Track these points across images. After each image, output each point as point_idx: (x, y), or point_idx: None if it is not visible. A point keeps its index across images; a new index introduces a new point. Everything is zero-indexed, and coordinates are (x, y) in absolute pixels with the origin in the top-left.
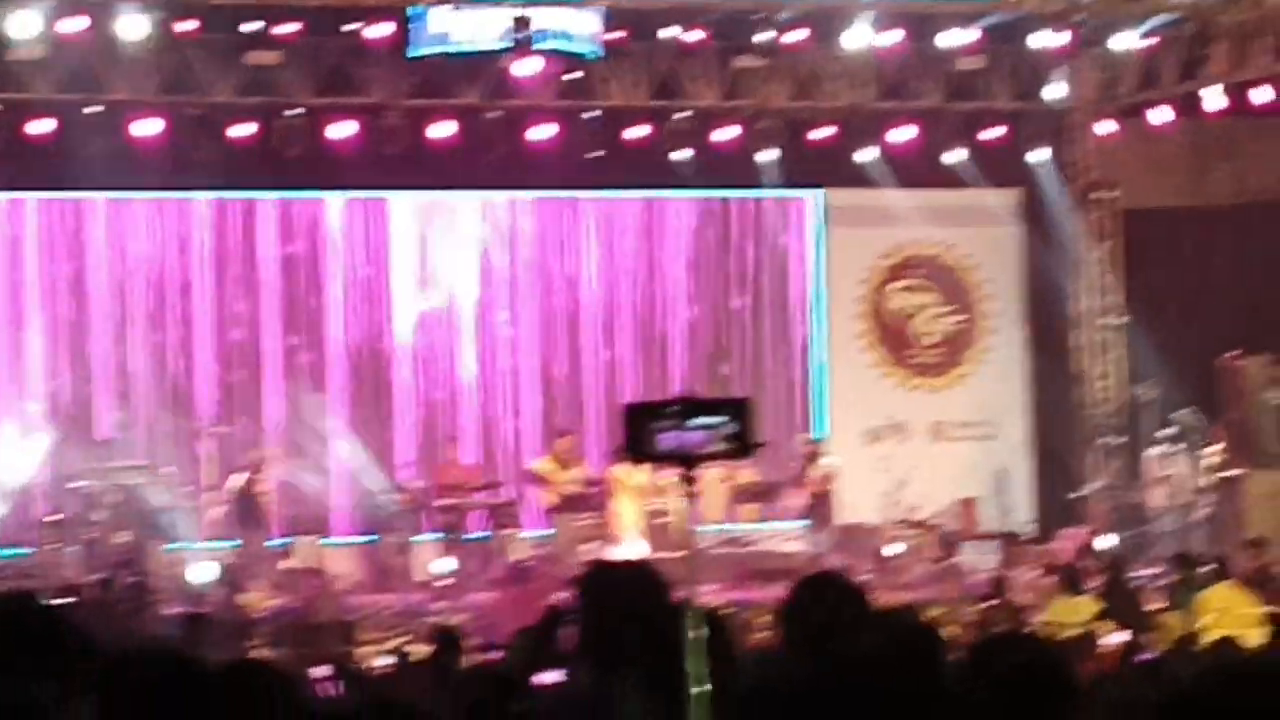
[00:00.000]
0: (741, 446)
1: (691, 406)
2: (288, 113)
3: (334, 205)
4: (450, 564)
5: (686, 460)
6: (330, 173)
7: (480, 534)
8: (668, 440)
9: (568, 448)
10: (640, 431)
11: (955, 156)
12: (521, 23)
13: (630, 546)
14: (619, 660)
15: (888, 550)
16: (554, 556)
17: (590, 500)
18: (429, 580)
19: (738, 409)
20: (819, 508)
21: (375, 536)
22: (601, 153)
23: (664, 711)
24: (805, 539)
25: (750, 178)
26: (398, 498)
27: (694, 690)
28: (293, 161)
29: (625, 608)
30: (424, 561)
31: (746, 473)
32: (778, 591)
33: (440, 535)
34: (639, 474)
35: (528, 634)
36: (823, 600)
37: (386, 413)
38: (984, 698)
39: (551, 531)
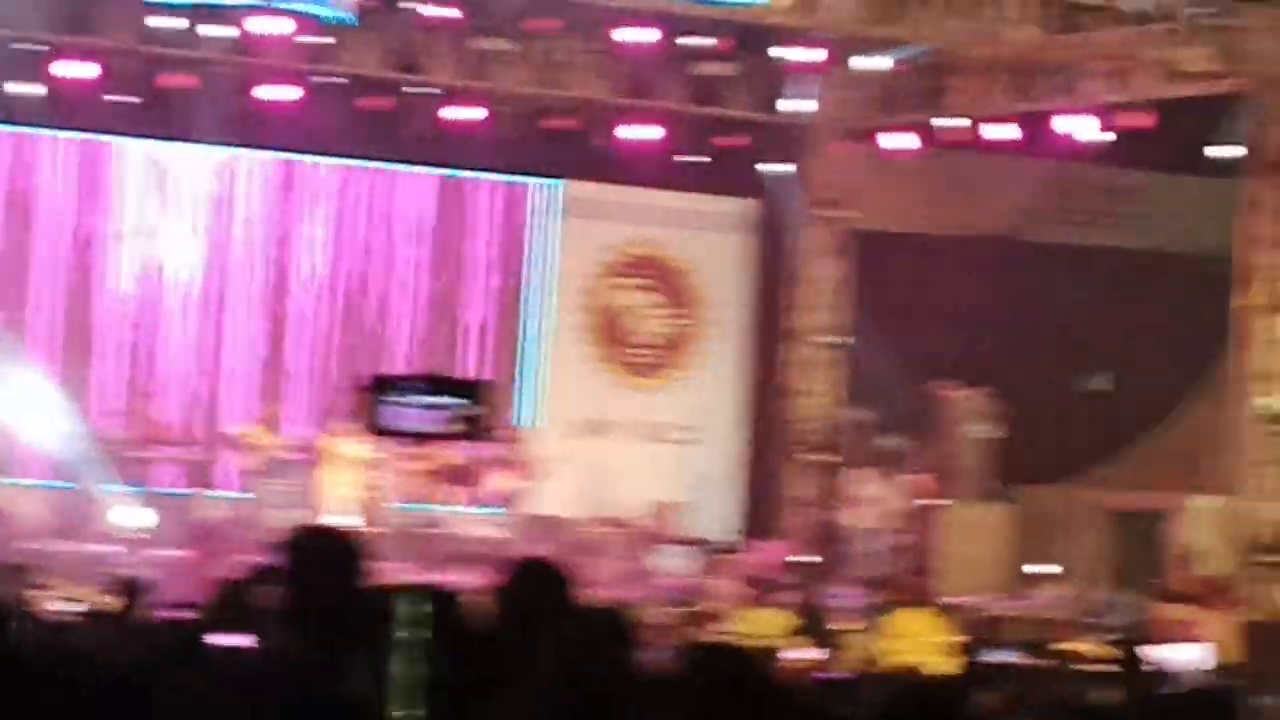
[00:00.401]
0: (477, 429)
1: (435, 385)
2: (16, 46)
3: (58, 146)
4: (145, 517)
5: (421, 437)
6: (58, 113)
7: (173, 490)
8: (406, 416)
9: (274, 413)
10: (380, 406)
11: (693, 160)
12: None
13: (334, 518)
14: (332, 630)
15: (585, 548)
16: (248, 519)
17: (293, 467)
18: (119, 531)
19: (481, 391)
20: (517, 497)
21: (68, 483)
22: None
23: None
24: (499, 526)
25: (487, 160)
26: (94, 445)
27: (409, 669)
28: (18, 99)
29: (338, 576)
30: (115, 512)
31: (448, 454)
32: (470, 577)
33: (134, 488)
34: (350, 445)
35: (225, 592)
36: (538, 587)
37: (89, 360)
38: (685, 702)
39: (247, 495)
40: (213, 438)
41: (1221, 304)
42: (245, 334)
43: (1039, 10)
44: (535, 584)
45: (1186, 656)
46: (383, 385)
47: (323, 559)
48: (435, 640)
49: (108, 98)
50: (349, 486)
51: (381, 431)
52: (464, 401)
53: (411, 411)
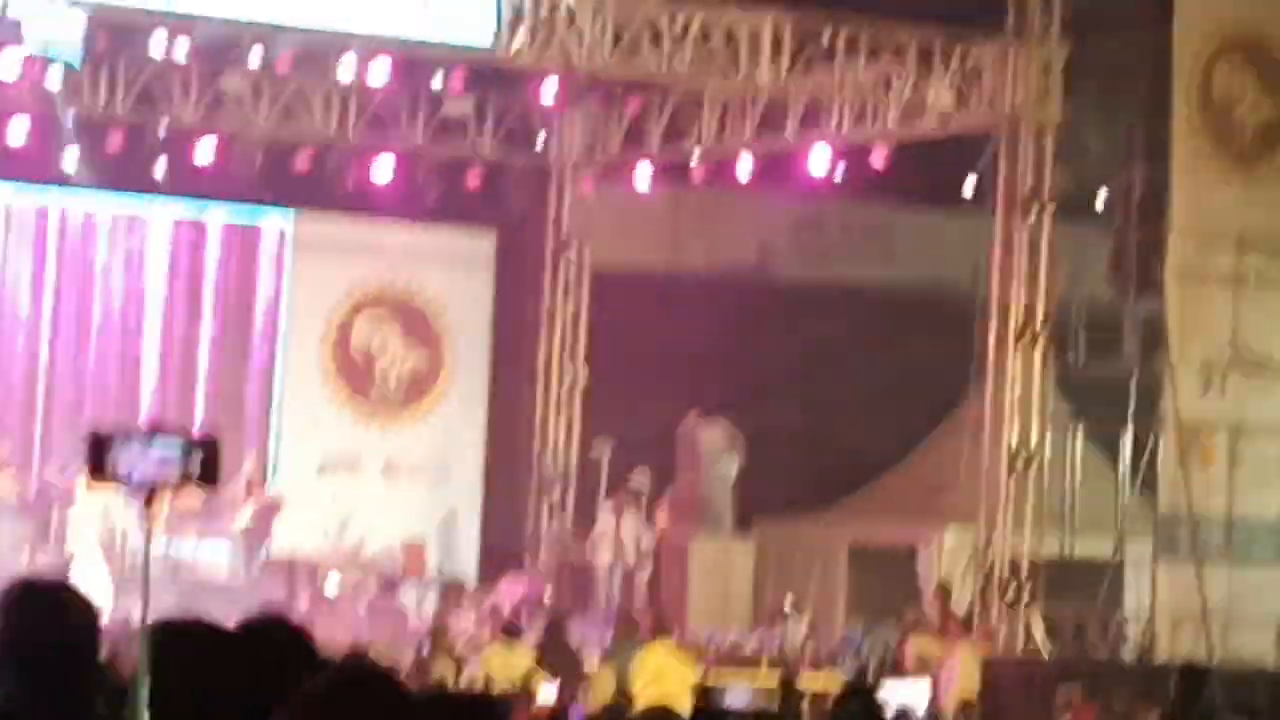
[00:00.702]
0: (203, 478)
1: (156, 435)
2: None
3: None
4: None
5: (148, 488)
6: None
7: None
8: (125, 465)
9: (5, 455)
10: (103, 455)
11: (433, 196)
12: (4, 21)
13: (82, 561)
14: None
15: (327, 587)
16: None
17: (32, 510)
18: None
19: (203, 443)
20: (256, 536)
21: None
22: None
23: None
24: (237, 567)
25: (226, 198)
26: None
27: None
28: None
29: (46, 625)
30: None
31: (186, 495)
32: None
33: None
34: (90, 489)
35: None
36: (269, 645)
37: None
38: None
39: None
40: None
41: (968, 339)
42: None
43: (781, 49)
44: (269, 643)
45: (917, 692)
46: (104, 437)
47: (33, 608)
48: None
49: None
50: (91, 530)
51: (106, 482)
52: (188, 451)
53: (133, 462)
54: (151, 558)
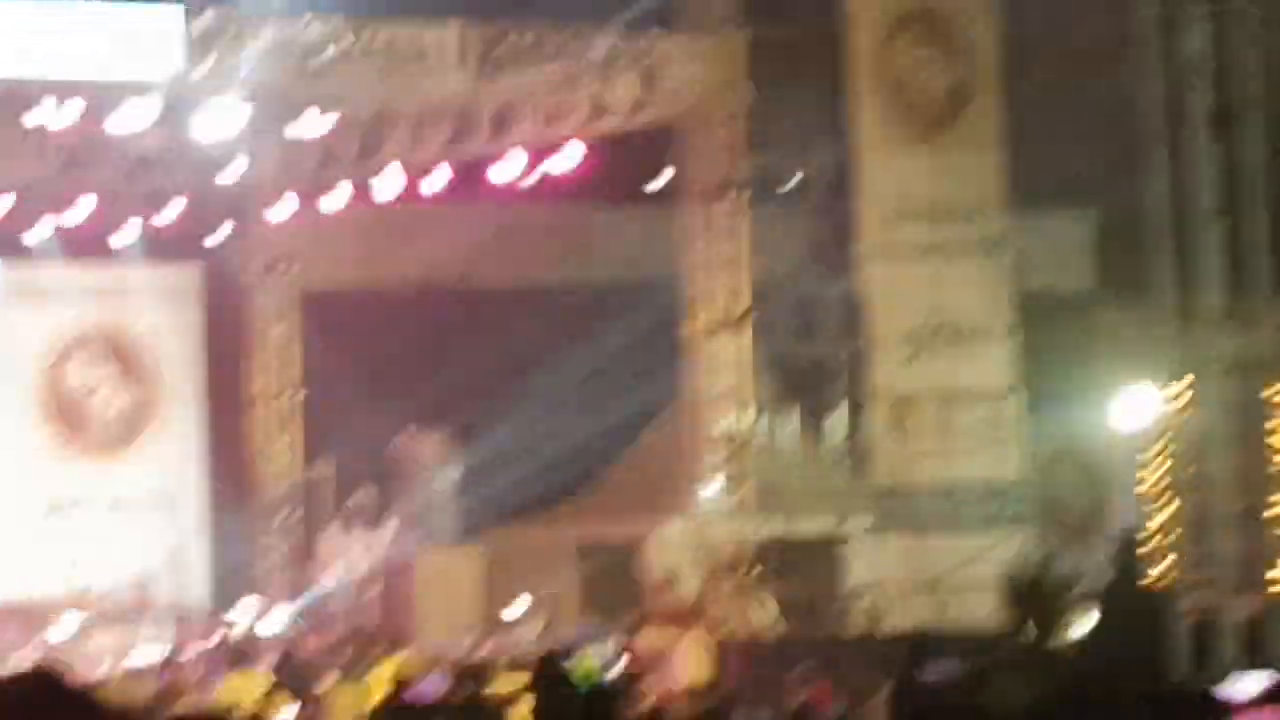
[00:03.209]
0: None
1: None
2: None
3: None
4: None
5: None
6: None
7: None
8: None
9: None
10: None
11: (133, 234)
12: None
13: None
14: None
15: (62, 628)
16: None
17: None
18: None
19: None
20: None
21: None
22: None
23: None
24: None
25: None
26: None
27: None
28: None
29: None
30: None
31: None
32: None
33: None
34: None
35: None
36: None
37: None
38: None
39: None
40: None
41: (673, 328)
42: None
43: (468, 58)
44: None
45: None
46: None
47: None
48: None
49: None
50: None
51: None
52: None
53: None
54: None
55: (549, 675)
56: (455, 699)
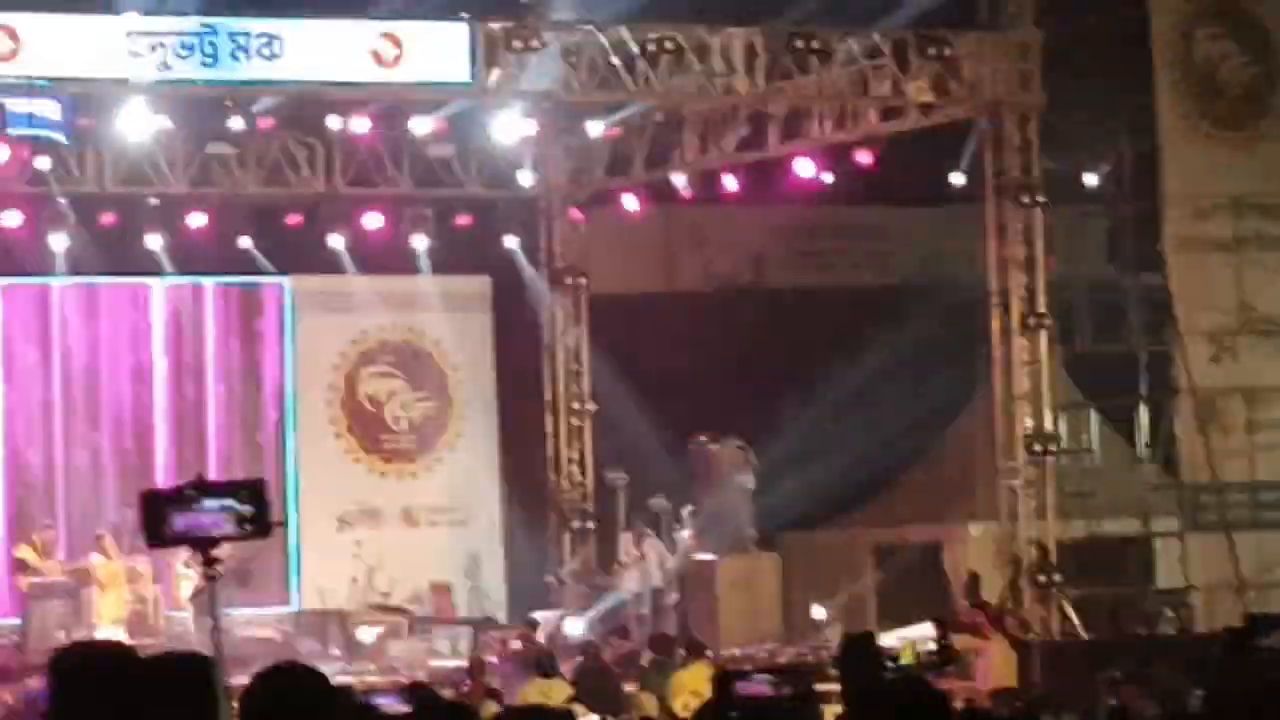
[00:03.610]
0: (258, 527)
1: (205, 490)
2: None
3: None
4: None
5: (202, 543)
6: None
7: None
8: (182, 523)
9: (48, 537)
10: (156, 517)
11: (425, 243)
12: None
13: (106, 634)
14: None
15: (361, 635)
16: (25, 643)
17: (65, 588)
18: None
19: (251, 490)
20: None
21: None
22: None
23: None
24: (277, 623)
25: (221, 263)
26: None
27: None
28: None
29: (100, 686)
30: None
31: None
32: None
33: None
34: (114, 564)
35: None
36: (283, 690)
37: None
38: None
39: (16, 621)
40: None
41: (973, 332)
42: (5, 458)
43: (759, 58)
44: (281, 688)
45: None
46: (156, 498)
47: (84, 675)
48: None
49: None
50: (117, 604)
51: (163, 543)
52: (239, 501)
53: (190, 519)
54: (187, 624)
55: (859, 652)
56: (779, 699)
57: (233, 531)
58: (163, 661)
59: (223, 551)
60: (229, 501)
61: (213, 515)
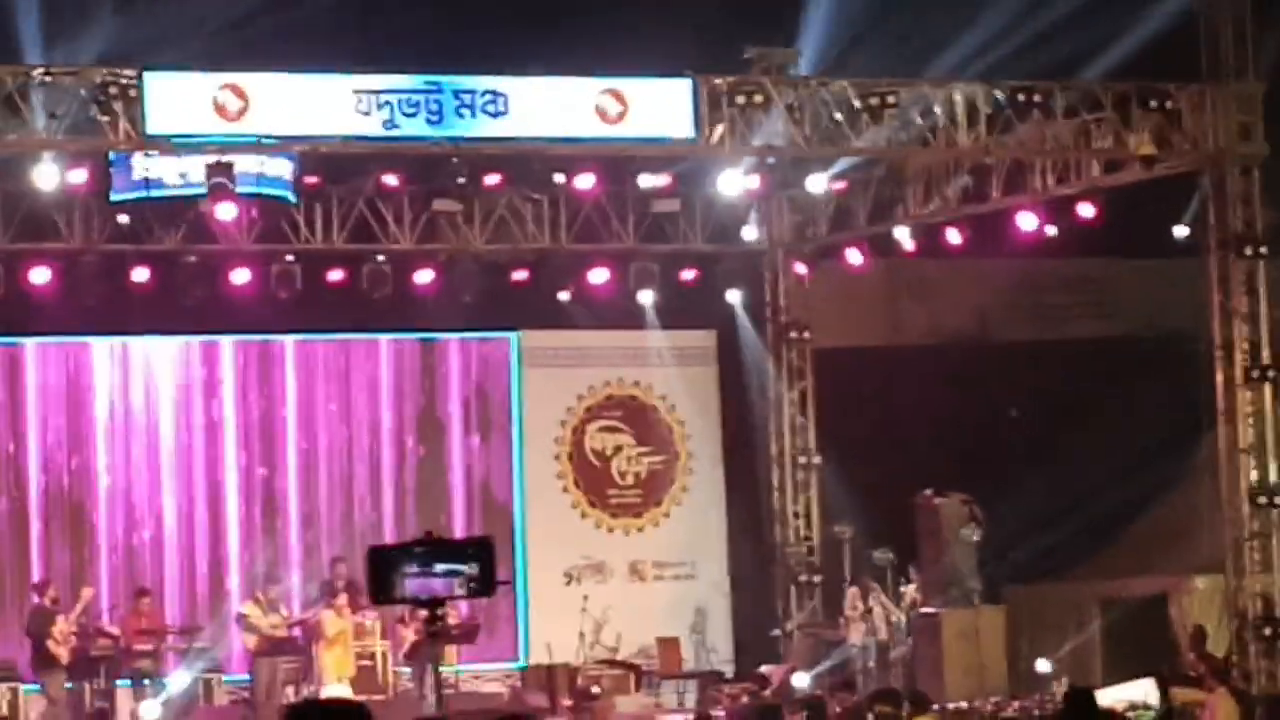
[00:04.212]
0: (484, 586)
1: (434, 548)
2: None
3: (30, 350)
4: (152, 710)
5: (432, 604)
6: (29, 318)
7: (180, 678)
8: (413, 585)
9: (274, 592)
10: (385, 575)
11: (651, 297)
12: (217, 167)
13: (333, 690)
14: None
15: (591, 689)
16: (254, 700)
17: (292, 644)
18: None
19: (479, 549)
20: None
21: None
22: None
23: None
24: (505, 679)
25: (449, 319)
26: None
27: None
28: None
29: None
30: (126, 708)
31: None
32: None
33: (140, 681)
34: (340, 619)
35: None
36: None
37: (87, 558)
38: None
39: (247, 677)
40: (217, 623)
41: (1196, 384)
42: (239, 515)
43: (981, 110)
44: None
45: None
46: (385, 556)
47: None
48: None
49: (77, 297)
50: (348, 660)
51: (390, 601)
52: (467, 562)
53: (419, 578)
54: (415, 680)
55: (1080, 709)
56: None
57: (459, 592)
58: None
59: (449, 609)
60: (456, 564)
61: (441, 577)
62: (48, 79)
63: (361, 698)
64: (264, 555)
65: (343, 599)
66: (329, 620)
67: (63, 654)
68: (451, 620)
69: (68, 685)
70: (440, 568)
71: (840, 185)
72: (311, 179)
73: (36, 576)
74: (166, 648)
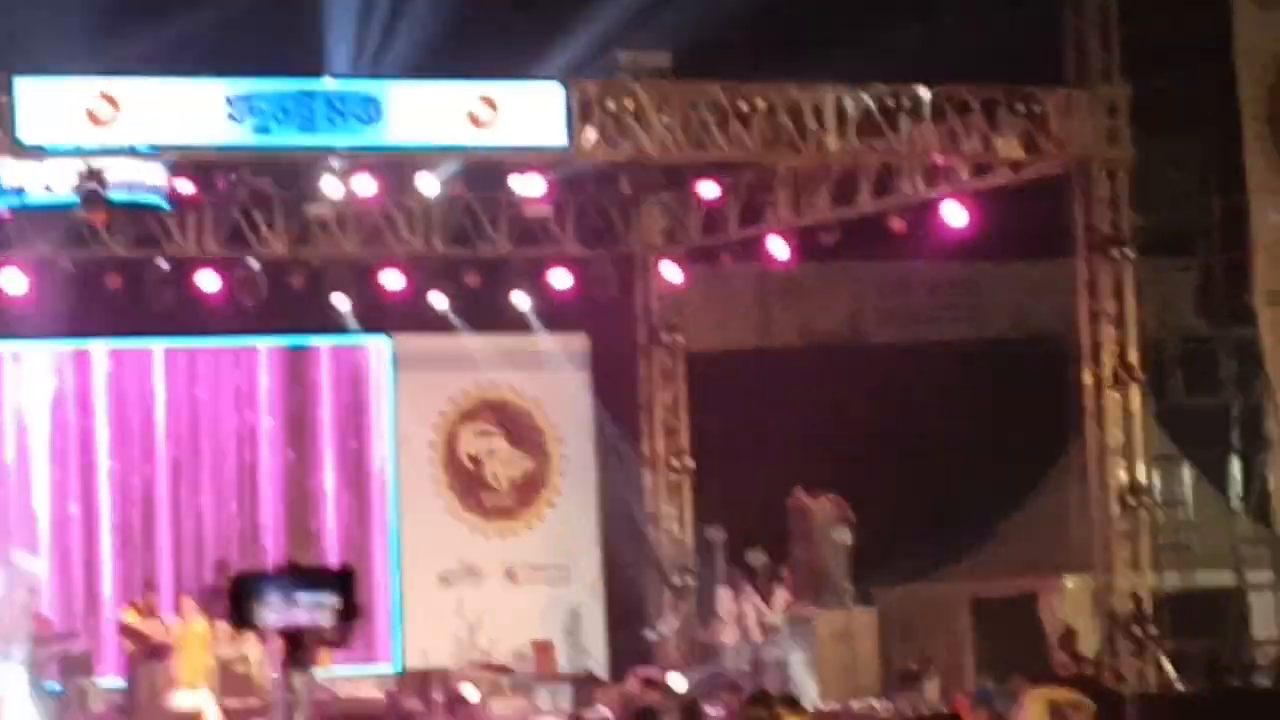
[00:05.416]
0: (345, 616)
1: (295, 577)
2: None
3: None
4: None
5: (295, 635)
6: None
7: (54, 685)
8: (275, 615)
9: (152, 598)
10: (246, 602)
11: (523, 302)
12: (89, 175)
13: (194, 695)
14: None
15: (465, 693)
16: (133, 706)
17: (167, 651)
18: None
19: (341, 580)
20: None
21: None
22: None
23: None
24: (378, 683)
25: (322, 324)
26: None
27: None
28: None
29: None
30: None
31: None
32: None
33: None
34: (192, 625)
35: None
36: None
37: None
38: None
39: (123, 684)
40: (92, 627)
41: (1065, 386)
42: (104, 517)
43: (848, 118)
44: None
45: None
46: (245, 582)
47: None
48: None
49: None
50: (195, 666)
51: (251, 628)
52: (328, 592)
53: (281, 608)
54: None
55: None
56: None
57: (322, 622)
58: None
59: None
60: (318, 593)
61: (304, 608)
62: None
63: (232, 702)
64: (135, 560)
65: (187, 602)
66: (177, 626)
67: None
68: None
69: None
70: (301, 597)
71: (713, 190)
72: (182, 186)
73: None
74: (44, 653)
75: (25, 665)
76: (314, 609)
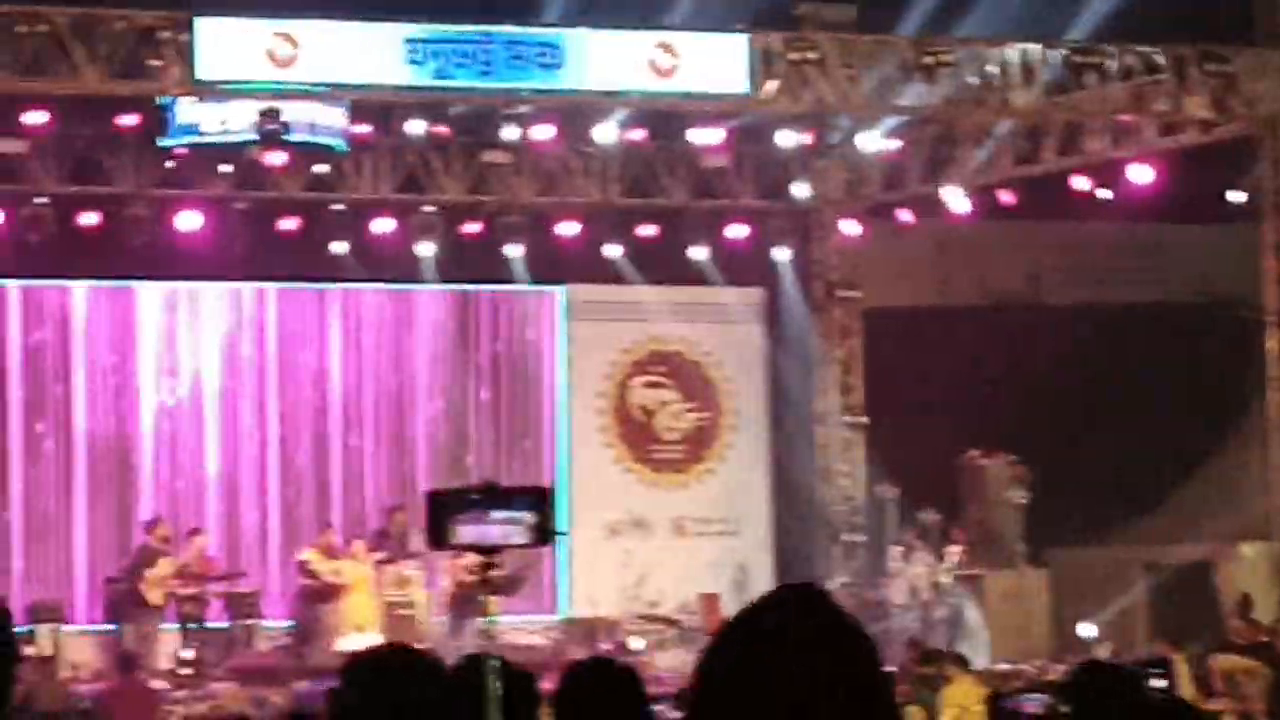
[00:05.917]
0: (542, 535)
1: (493, 495)
2: (35, 200)
3: (79, 294)
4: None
5: (487, 550)
6: (76, 261)
7: (221, 624)
8: (469, 531)
9: (330, 539)
10: (442, 521)
11: (699, 254)
12: (269, 115)
13: (350, 641)
14: None
15: (630, 643)
16: (296, 647)
17: (339, 592)
18: (171, 669)
19: (538, 498)
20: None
21: (115, 625)
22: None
23: None
24: (545, 631)
25: (496, 272)
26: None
27: None
28: (38, 249)
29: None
30: (166, 650)
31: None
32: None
33: (182, 625)
34: (359, 567)
35: None
36: (598, 686)
37: (130, 502)
38: None
39: (290, 623)
40: (256, 568)
41: (1248, 350)
42: (272, 459)
43: (1037, 72)
44: (599, 684)
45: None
46: (443, 501)
47: (377, 679)
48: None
49: (125, 242)
50: (379, 608)
51: (447, 547)
52: (527, 510)
53: (476, 525)
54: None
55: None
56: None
57: (516, 541)
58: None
59: (501, 558)
60: (515, 511)
61: (499, 525)
62: (97, 21)
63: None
64: (300, 501)
65: (358, 545)
66: (346, 568)
67: (156, 596)
68: (499, 570)
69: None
70: (498, 515)
71: (895, 144)
72: (361, 128)
73: (82, 521)
74: (210, 592)
75: None
76: (509, 527)
